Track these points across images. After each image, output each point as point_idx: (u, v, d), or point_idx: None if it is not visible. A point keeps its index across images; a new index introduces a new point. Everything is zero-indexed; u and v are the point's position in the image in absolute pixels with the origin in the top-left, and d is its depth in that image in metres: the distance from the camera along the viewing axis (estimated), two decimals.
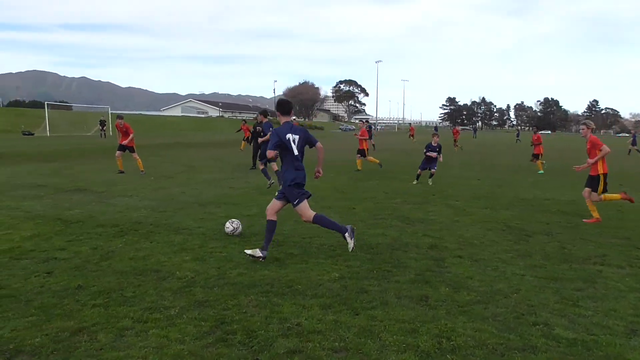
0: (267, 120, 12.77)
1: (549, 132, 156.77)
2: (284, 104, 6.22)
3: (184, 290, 4.75)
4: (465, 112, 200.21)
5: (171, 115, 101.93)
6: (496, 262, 6.02)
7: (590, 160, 8.61)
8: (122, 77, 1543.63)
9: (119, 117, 15.86)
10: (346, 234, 6.21)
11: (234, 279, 5.11)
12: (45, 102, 53.69)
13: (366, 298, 4.64)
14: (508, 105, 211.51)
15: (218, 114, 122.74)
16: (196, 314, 4.18)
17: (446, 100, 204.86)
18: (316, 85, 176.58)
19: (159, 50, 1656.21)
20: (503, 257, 6.26)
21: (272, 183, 12.04)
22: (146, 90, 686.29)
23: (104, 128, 45.93)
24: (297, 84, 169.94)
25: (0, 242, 6.39)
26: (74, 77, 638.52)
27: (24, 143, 30.18)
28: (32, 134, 44.47)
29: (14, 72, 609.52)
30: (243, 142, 26.65)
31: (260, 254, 5.76)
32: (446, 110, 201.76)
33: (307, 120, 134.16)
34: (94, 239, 6.66)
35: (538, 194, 12.27)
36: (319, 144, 6.29)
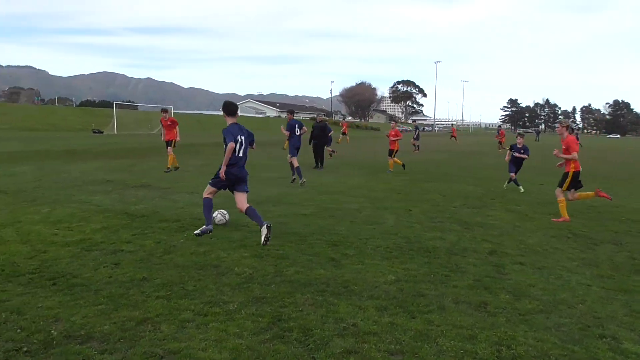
0: (293, 117, 14.12)
1: (618, 135, 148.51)
2: (230, 106, 6.92)
3: (243, 286, 4.87)
4: (527, 114, 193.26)
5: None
6: (560, 270, 5.78)
7: (563, 155, 8.93)
8: (185, 77, 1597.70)
9: (164, 110, 15.51)
10: (263, 227, 6.35)
11: (290, 276, 5.18)
12: (114, 102, 56.41)
13: (423, 302, 4.58)
14: (574, 107, 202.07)
15: (275, 114, 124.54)
16: (254, 309, 4.27)
17: (507, 102, 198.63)
18: (373, 86, 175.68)
19: (220, 51, 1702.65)
20: (568, 265, 6.01)
21: (295, 179, 12.87)
22: (207, 90, 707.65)
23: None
24: (354, 84, 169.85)
25: (74, 234, 6.79)
26: (140, 78, 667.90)
27: (94, 141, 31.82)
28: (102, 132, 46.80)
29: (86, 73, 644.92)
30: (287, 141, 27.24)
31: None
32: (507, 112, 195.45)
33: (362, 121, 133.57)
34: (158, 233, 6.94)
35: (605, 201, 11.66)
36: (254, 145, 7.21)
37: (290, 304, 4.43)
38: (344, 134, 38.86)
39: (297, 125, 13.76)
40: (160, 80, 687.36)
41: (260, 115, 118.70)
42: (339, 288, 4.89)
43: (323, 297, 4.63)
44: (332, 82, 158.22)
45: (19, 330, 3.76)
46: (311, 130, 17.27)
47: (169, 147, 15.21)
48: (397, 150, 16.94)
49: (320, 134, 17.46)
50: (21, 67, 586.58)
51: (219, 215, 7.66)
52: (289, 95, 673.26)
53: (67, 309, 4.19)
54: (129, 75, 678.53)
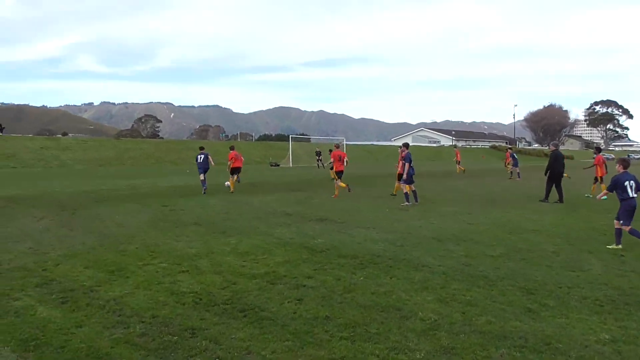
0: (407, 151, 15.62)
1: None
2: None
3: (428, 333, 4.76)
4: None
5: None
6: None
7: None
8: (355, 108, 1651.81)
9: (232, 147, 20.35)
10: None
11: (481, 327, 4.92)
12: (289, 136, 61.01)
13: None
14: None
15: (451, 143, 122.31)
16: None
17: None
18: (564, 108, 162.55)
19: (391, 79, 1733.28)
20: None
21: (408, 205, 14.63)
22: (377, 120, 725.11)
23: (320, 158, 49.93)
24: (541, 107, 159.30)
25: (259, 266, 7.40)
26: (312, 111, 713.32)
27: (272, 173, 34.66)
28: (278, 165, 50.79)
29: (264, 109, 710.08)
30: (459, 166, 35.36)
31: None
32: None
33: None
34: (337, 269, 7.20)
35: None
36: None
37: (483, 358, 4.19)
38: (458, 162, 37.11)
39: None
40: (332, 112, 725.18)
41: (434, 145, 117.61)
42: (540, 345, 4.49)
43: (522, 353, 4.30)
44: (516, 105, 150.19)
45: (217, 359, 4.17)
46: (549, 160, 16.86)
47: (235, 175, 19.60)
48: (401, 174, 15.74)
49: (555, 164, 16.59)
50: (209, 107, 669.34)
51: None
52: (465, 121, 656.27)
53: (257, 342, 4.54)
54: (302, 109, 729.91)
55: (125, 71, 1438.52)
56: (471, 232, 10.42)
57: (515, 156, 30.46)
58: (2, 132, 51.99)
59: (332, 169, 19.30)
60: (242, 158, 20.68)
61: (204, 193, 18.40)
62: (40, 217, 12.38)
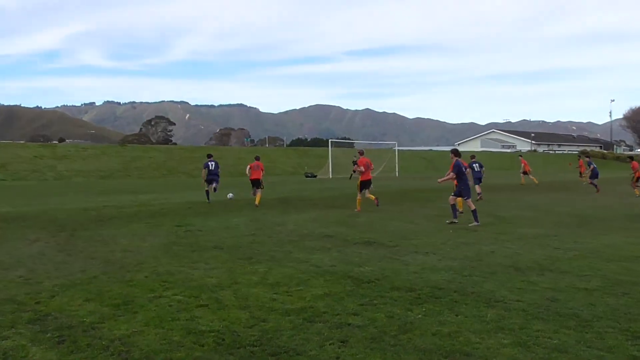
0: (457, 159, 15.91)
1: None
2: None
3: None
4: None
5: (467, 151, 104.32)
6: None
7: None
8: (409, 106, 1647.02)
9: (257, 157, 22.44)
10: None
11: None
12: (329, 140, 61.37)
13: None
14: None
15: (529, 148, 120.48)
16: None
17: None
18: None
19: (453, 72, 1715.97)
20: None
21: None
22: (437, 120, 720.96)
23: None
24: None
25: (293, 300, 7.42)
26: (357, 110, 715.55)
27: (307, 186, 34.92)
28: (315, 176, 51.12)
29: (297, 108, 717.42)
30: (523, 176, 36.27)
31: None
32: None
33: None
34: (389, 305, 7.15)
35: None
36: None
37: None
38: (525, 173, 36.54)
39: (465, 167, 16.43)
40: (380, 110, 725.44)
41: (509, 150, 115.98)
42: None
43: None
44: (612, 101, 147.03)
45: None
46: None
47: (260, 189, 21.38)
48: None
49: None
50: (232, 106, 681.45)
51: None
52: (547, 121, 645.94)
53: None
54: (344, 107, 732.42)
55: (132, 65, 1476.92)
56: (558, 260, 10.22)
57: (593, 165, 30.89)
58: None
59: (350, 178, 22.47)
60: (262, 167, 22.34)
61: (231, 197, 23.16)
62: (34, 240, 12.79)
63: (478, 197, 22.69)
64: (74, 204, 21.96)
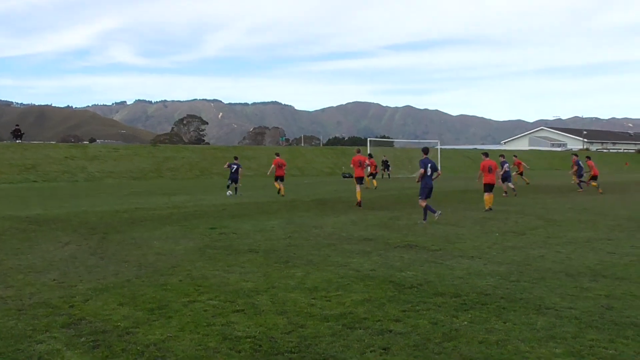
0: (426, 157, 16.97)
1: None
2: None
3: None
4: None
5: (515, 150, 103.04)
6: None
7: None
8: (453, 103, 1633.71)
9: (277, 154, 29.41)
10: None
11: None
12: (368, 139, 61.19)
13: None
14: None
15: (582, 147, 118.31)
16: None
17: None
18: None
19: (500, 65, 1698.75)
20: None
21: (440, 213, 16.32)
22: (482, 117, 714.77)
23: (387, 168, 49.63)
24: None
25: (332, 305, 7.45)
26: (397, 107, 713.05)
27: (345, 187, 34.80)
28: (352, 177, 51.03)
29: (334, 105, 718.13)
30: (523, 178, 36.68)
31: None
32: None
33: None
34: (433, 311, 7.13)
35: None
36: None
37: None
38: (520, 174, 36.58)
39: (429, 165, 16.67)
40: (422, 107, 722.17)
41: (559, 149, 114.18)
42: None
43: None
44: None
45: None
46: None
47: (280, 182, 27.28)
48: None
49: None
50: (266, 104, 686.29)
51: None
52: (601, 118, 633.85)
53: None
54: (384, 104, 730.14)
55: (163, 62, 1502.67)
56: (613, 265, 10.05)
57: (581, 164, 31.58)
58: (20, 139, 55.39)
59: (369, 176, 26.71)
60: (285, 164, 28.49)
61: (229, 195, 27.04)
62: (66, 242, 13.09)
63: (508, 193, 26.77)
64: (105, 206, 22.38)
